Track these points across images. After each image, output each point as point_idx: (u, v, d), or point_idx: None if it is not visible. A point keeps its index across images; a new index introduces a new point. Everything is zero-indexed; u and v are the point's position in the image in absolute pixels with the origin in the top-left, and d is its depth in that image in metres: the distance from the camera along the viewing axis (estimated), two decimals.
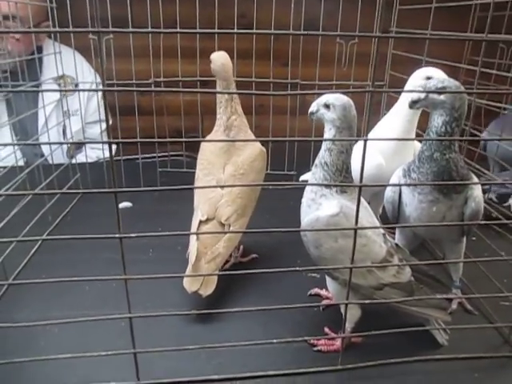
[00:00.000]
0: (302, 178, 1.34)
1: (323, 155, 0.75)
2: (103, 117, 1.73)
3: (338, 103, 0.73)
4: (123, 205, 1.30)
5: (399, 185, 0.87)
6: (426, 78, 0.97)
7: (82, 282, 0.89)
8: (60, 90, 1.63)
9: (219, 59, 0.93)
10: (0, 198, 0.93)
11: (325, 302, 0.90)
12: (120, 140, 1.30)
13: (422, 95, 0.79)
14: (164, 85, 1.37)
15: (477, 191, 0.82)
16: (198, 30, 1.08)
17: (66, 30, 0.48)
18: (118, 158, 1.51)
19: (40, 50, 1.56)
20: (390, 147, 1.04)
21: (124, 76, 1.30)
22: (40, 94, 1.46)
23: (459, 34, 0.95)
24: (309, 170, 1.28)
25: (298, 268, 0.63)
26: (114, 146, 1.75)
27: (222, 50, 0.96)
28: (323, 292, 0.92)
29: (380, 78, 1.43)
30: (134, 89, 0.96)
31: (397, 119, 1.05)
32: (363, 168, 0.60)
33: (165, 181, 1.43)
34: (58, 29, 1.29)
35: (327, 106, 0.74)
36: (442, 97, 0.77)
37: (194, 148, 1.50)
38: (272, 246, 1.09)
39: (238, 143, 0.95)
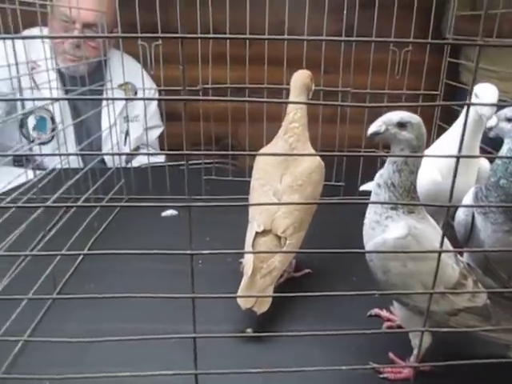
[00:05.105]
0: (363, 187, 1.28)
1: (391, 176, 0.71)
2: (158, 122, 1.76)
3: (414, 121, 0.69)
4: (168, 213, 1.27)
5: (472, 206, 0.83)
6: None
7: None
8: (126, 99, 1.72)
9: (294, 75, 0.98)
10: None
11: (386, 324, 0.85)
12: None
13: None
14: (212, 91, 1.34)
15: None
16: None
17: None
18: (163, 164, 1.49)
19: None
20: (447, 164, 0.97)
21: (171, 82, 1.27)
22: (104, 101, 1.50)
23: None
24: (368, 180, 1.23)
25: (374, 292, 0.59)
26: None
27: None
28: (384, 313, 0.87)
29: (434, 88, 1.37)
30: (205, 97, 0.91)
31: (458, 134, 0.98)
32: (453, 187, 0.55)
33: (209, 189, 1.39)
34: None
35: (402, 125, 0.69)
36: None
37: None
38: (325, 261, 1.04)
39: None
